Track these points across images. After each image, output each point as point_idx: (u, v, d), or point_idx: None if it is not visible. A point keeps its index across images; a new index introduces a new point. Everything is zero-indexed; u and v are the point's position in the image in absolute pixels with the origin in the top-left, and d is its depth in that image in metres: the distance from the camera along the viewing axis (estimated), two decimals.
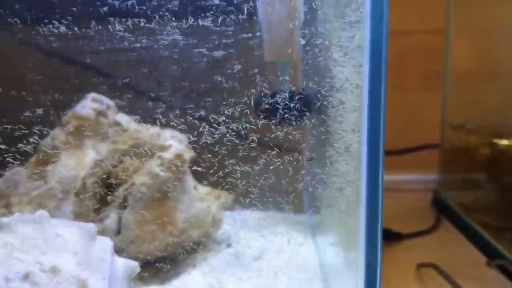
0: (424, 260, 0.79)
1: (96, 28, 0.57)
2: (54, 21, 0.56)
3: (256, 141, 0.67)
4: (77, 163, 0.69)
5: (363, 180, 0.41)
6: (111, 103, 0.73)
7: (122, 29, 0.57)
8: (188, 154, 0.70)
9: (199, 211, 0.73)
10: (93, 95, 0.72)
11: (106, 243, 0.55)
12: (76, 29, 0.57)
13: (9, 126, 0.64)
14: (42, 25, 0.55)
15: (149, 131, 0.72)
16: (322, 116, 0.65)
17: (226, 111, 0.67)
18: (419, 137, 1.20)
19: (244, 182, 0.76)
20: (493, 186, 0.94)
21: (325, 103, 0.62)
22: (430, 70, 1.20)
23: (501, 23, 0.93)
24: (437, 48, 1.11)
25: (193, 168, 0.75)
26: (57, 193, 0.66)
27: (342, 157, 0.51)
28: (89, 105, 0.71)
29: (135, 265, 0.56)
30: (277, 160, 0.78)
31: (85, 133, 0.70)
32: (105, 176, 0.70)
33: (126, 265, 0.55)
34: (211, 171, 0.76)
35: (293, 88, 0.76)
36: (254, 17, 0.71)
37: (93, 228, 0.55)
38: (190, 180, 0.75)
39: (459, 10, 1.05)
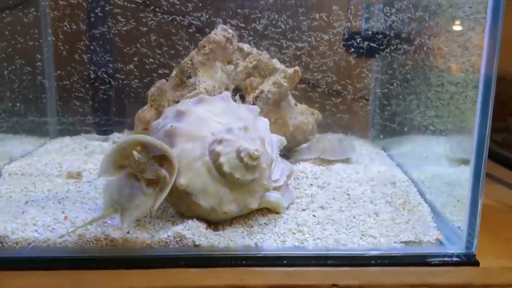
0: None
1: None
2: None
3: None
4: (212, 77, 0.88)
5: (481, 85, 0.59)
6: (234, 33, 0.92)
7: None
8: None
9: (302, 120, 0.92)
10: (221, 25, 0.91)
11: (265, 121, 0.74)
12: None
13: None
14: None
15: (265, 56, 0.92)
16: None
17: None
18: None
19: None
20: None
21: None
22: None
23: None
24: None
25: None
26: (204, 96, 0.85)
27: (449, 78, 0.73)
28: (220, 32, 0.90)
29: (283, 139, 0.76)
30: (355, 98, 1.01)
31: (216, 55, 0.89)
32: (233, 87, 0.89)
33: (278, 138, 0.75)
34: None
35: (376, 26, 0.97)
36: None
37: (257, 109, 0.74)
38: (292, 98, 0.95)
39: None
